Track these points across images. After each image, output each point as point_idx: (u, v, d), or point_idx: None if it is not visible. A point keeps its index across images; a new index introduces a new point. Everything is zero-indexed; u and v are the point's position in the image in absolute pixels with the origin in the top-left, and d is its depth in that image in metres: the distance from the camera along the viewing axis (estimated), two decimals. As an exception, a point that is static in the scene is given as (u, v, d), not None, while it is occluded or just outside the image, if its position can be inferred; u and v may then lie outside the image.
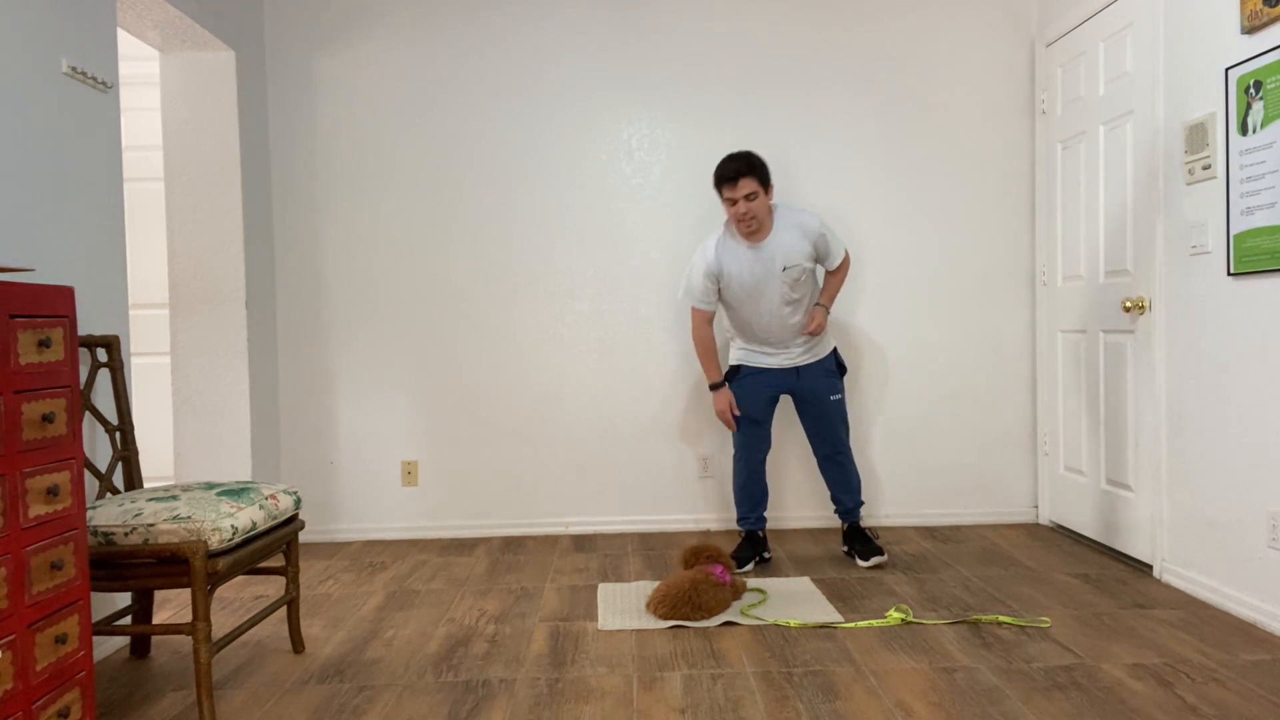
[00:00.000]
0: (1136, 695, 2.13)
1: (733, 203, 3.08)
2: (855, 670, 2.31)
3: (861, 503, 3.39)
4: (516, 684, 2.28)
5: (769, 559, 3.37)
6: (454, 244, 3.87)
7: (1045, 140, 3.80)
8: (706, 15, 3.87)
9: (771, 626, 2.65)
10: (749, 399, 3.29)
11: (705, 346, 3.26)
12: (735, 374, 3.32)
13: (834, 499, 3.39)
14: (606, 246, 3.89)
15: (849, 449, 3.35)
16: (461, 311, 3.88)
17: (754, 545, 3.33)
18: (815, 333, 3.21)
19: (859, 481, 3.38)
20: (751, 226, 3.10)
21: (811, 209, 3.50)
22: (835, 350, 3.36)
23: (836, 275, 3.30)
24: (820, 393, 3.28)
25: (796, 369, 3.28)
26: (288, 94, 3.83)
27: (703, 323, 3.25)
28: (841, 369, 3.35)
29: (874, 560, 3.25)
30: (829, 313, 3.32)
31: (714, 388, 3.28)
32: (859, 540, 3.34)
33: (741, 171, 3.04)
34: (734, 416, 3.29)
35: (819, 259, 3.23)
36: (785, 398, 3.72)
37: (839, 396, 3.31)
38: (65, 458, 1.81)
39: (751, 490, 3.35)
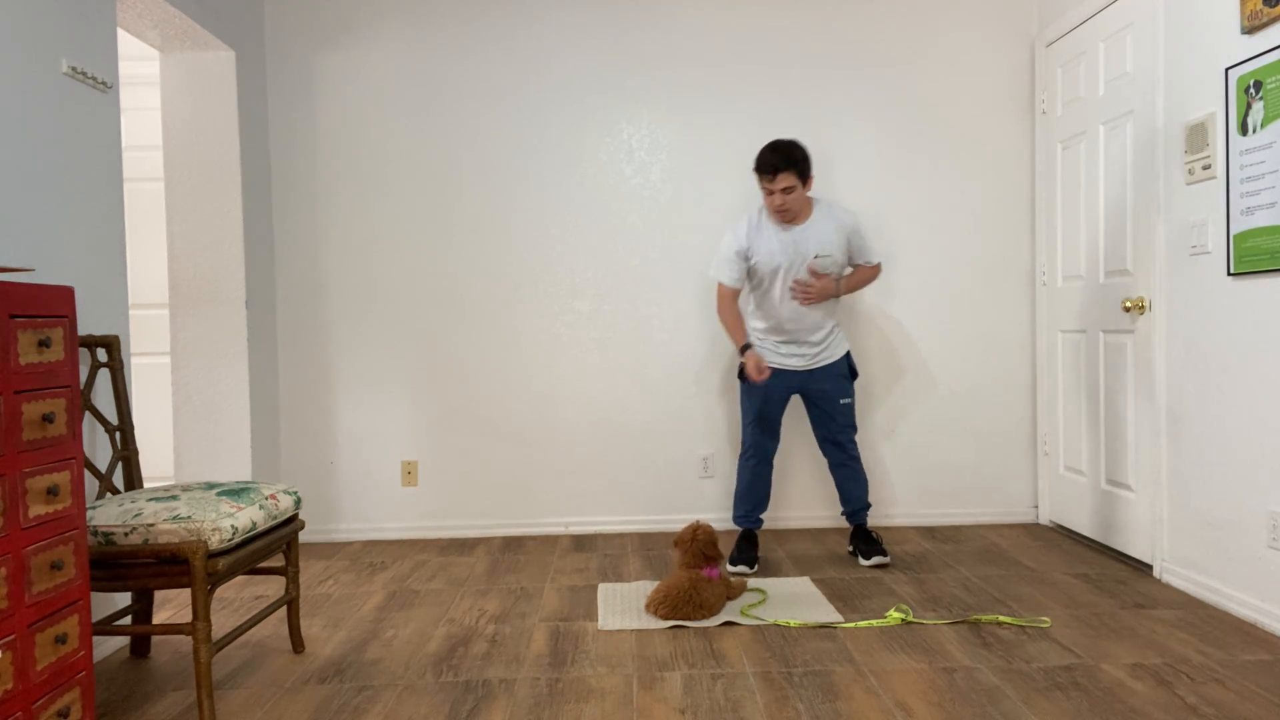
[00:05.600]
0: (1136, 695, 2.13)
1: (769, 193, 3.08)
2: (855, 670, 2.31)
3: (868, 505, 3.40)
4: (516, 684, 2.28)
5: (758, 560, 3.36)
6: (454, 244, 3.87)
7: (1045, 140, 3.80)
8: (706, 16, 3.87)
9: (771, 626, 2.65)
10: (764, 397, 3.28)
11: (729, 319, 3.24)
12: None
13: (842, 501, 3.40)
14: (606, 246, 3.89)
15: (858, 452, 3.37)
16: (461, 311, 3.88)
17: (754, 544, 3.32)
18: (805, 297, 3.16)
19: (867, 484, 3.39)
20: (786, 217, 3.13)
21: (852, 210, 3.52)
22: (849, 354, 3.37)
23: (865, 270, 3.30)
24: (831, 395, 3.29)
25: (810, 371, 3.28)
26: (288, 94, 3.83)
27: (728, 299, 3.24)
28: (853, 373, 3.37)
29: (875, 560, 3.26)
30: (837, 300, 3.31)
31: (742, 350, 3.18)
32: (863, 540, 3.35)
33: (779, 166, 3.02)
34: (751, 415, 3.30)
35: (852, 256, 3.26)
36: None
37: (849, 400, 3.32)
38: (65, 458, 1.81)
39: (758, 489, 3.34)
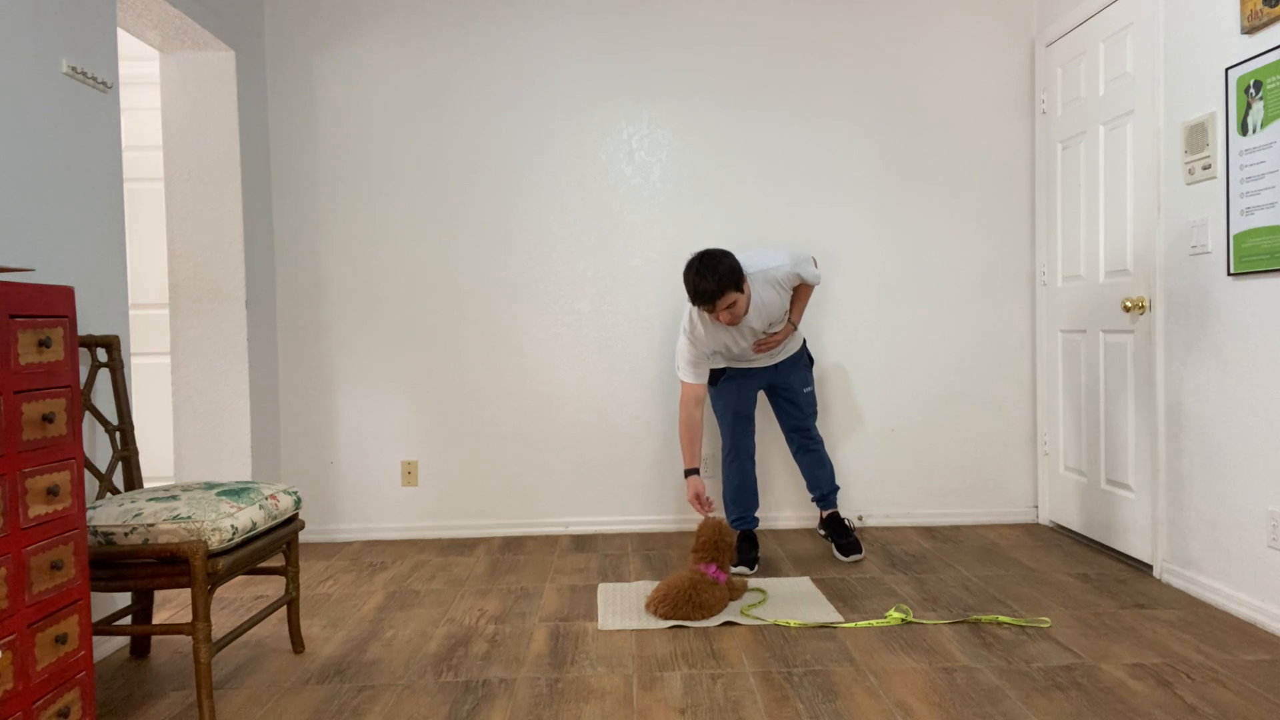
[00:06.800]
0: (1136, 695, 2.13)
1: (714, 315, 2.98)
2: (855, 670, 2.31)
3: (837, 488, 3.49)
4: (516, 684, 2.28)
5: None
6: (454, 244, 3.87)
7: (1045, 140, 3.80)
8: (707, 18, 3.87)
9: (771, 626, 2.65)
10: (739, 395, 3.31)
11: (692, 429, 3.13)
12: (721, 375, 3.33)
13: (810, 487, 3.48)
14: (606, 247, 3.89)
15: (821, 437, 3.47)
16: (462, 311, 3.88)
17: (754, 545, 3.32)
18: (770, 348, 3.22)
19: (832, 467, 3.48)
20: (736, 320, 3.01)
21: (777, 250, 3.16)
22: (805, 342, 3.44)
23: (804, 291, 3.25)
24: (795, 386, 3.38)
25: (776, 365, 3.35)
26: (288, 94, 3.83)
27: (694, 402, 3.13)
28: (810, 360, 3.46)
29: (853, 558, 3.34)
30: (795, 328, 3.29)
31: (689, 474, 3.13)
32: (839, 532, 3.42)
33: (719, 292, 2.86)
34: (728, 418, 3.32)
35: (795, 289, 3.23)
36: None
37: (810, 389, 3.43)
38: (65, 458, 1.81)
39: (748, 489, 3.36)
